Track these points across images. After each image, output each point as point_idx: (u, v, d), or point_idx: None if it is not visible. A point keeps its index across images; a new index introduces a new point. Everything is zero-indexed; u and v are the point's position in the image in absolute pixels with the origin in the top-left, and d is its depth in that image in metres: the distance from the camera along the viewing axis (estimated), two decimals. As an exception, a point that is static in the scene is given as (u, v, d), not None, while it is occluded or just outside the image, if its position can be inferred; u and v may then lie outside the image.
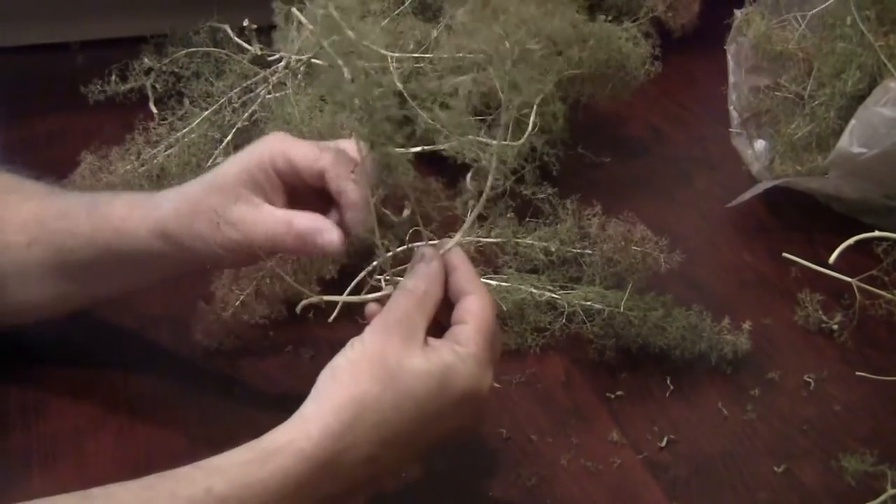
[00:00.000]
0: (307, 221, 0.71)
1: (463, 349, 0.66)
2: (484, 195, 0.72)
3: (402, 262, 0.80)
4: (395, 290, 0.69)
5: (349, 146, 0.73)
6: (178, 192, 0.74)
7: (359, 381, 0.63)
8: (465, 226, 0.72)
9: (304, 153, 0.72)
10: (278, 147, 0.73)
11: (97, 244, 0.76)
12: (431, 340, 0.66)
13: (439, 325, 0.69)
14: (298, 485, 0.61)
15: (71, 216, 0.77)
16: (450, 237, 0.72)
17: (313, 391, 0.64)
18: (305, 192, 0.73)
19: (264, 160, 0.72)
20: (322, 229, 0.71)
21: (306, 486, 0.61)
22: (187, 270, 0.79)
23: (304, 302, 0.73)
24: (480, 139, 0.74)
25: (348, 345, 0.66)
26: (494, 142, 0.71)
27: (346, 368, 0.64)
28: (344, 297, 0.73)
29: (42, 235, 0.77)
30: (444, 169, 1.05)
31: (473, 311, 0.68)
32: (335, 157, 0.72)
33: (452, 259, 0.70)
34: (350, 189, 0.71)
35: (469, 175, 0.83)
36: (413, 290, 0.67)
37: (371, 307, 0.71)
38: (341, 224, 0.72)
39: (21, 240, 0.78)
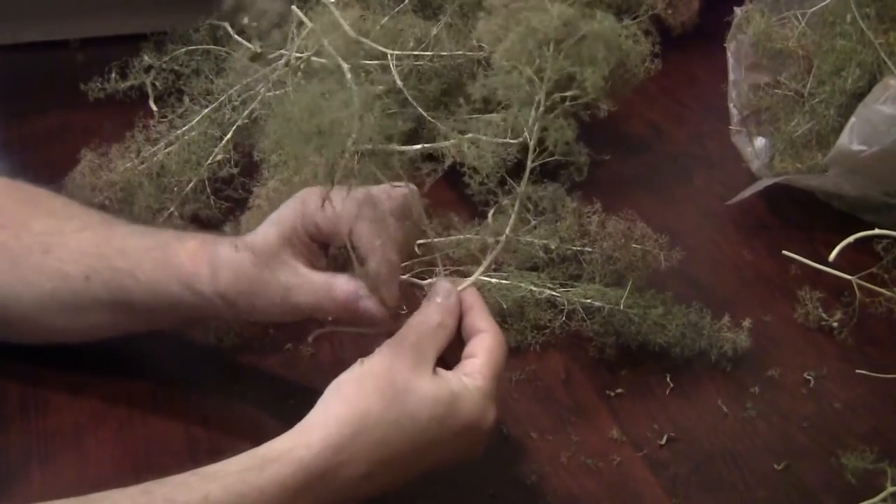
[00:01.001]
0: (346, 288, 0.70)
1: (471, 381, 0.67)
2: (503, 239, 0.74)
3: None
4: (409, 319, 0.70)
5: (369, 195, 0.72)
6: (233, 265, 0.73)
7: (364, 397, 0.64)
8: (483, 266, 0.73)
9: (325, 222, 0.71)
10: (308, 213, 0.72)
11: (159, 292, 0.75)
12: (440, 370, 0.68)
13: (445, 363, 0.70)
14: (295, 493, 0.61)
15: (132, 256, 0.77)
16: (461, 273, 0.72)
17: (318, 402, 0.65)
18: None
19: (297, 227, 0.72)
20: (360, 297, 0.70)
21: (302, 495, 0.61)
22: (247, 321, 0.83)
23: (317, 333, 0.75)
24: (480, 138, 0.74)
25: (357, 362, 0.66)
26: (494, 140, 0.70)
27: (351, 383, 0.65)
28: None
29: (103, 271, 0.77)
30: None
31: (486, 346, 0.69)
32: (356, 222, 0.70)
33: (467, 298, 0.72)
34: (374, 256, 0.70)
35: (491, 213, 0.84)
36: (427, 320, 0.69)
37: (342, 285, 0.70)
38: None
39: (80, 271, 0.77)
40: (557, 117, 0.69)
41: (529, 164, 0.70)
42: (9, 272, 0.78)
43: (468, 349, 0.70)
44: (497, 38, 0.67)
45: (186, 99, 1.05)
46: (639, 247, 0.90)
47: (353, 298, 0.70)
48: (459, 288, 0.72)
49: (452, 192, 1.03)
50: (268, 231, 0.73)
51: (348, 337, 0.89)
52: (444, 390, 0.65)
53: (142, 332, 0.82)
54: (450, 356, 0.70)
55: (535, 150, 0.70)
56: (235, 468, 0.61)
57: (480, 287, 0.89)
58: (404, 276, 0.89)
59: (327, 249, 0.74)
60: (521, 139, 0.71)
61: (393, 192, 0.72)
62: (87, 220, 0.81)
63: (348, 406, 0.63)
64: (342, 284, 0.71)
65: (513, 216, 0.73)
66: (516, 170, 0.72)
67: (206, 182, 1.00)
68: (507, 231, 0.73)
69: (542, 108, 0.68)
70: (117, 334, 0.82)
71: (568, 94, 0.71)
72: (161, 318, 0.79)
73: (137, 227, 0.81)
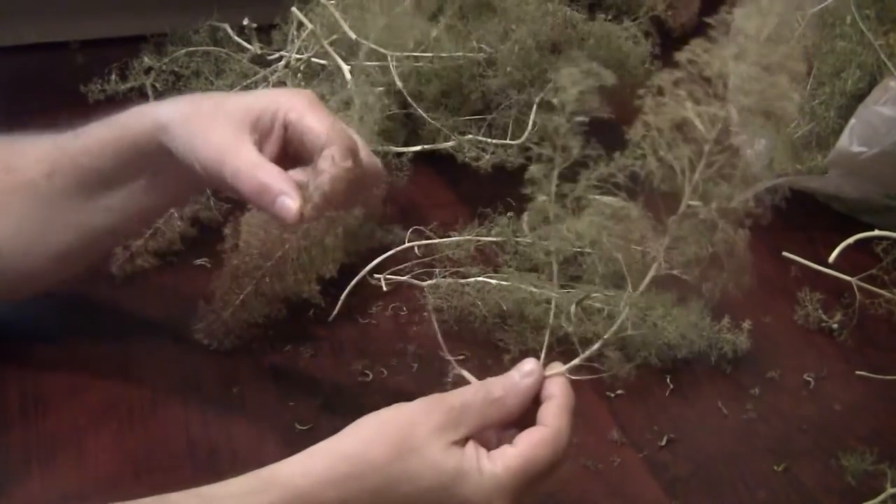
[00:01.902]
0: (276, 179, 0.68)
1: (489, 465, 0.63)
2: (601, 341, 0.69)
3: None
4: (478, 382, 0.67)
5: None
6: (188, 99, 0.75)
7: (375, 443, 0.62)
8: (578, 359, 0.68)
9: (312, 125, 0.70)
10: (298, 106, 0.71)
11: (111, 151, 0.75)
12: (473, 443, 0.64)
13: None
14: None
15: (88, 134, 0.77)
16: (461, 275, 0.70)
17: (346, 428, 0.63)
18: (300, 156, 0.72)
19: (278, 110, 0.71)
20: (285, 193, 0.67)
21: None
22: (181, 188, 0.79)
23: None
24: (480, 139, 0.74)
25: (395, 405, 0.64)
26: (493, 140, 0.70)
27: (373, 425, 0.63)
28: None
29: (61, 160, 0.77)
30: (444, 169, 1.05)
31: (530, 441, 0.64)
32: (339, 137, 0.69)
33: (551, 388, 0.66)
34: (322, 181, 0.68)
35: (575, 303, 0.81)
36: (489, 391, 0.65)
37: (273, 172, 0.68)
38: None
39: (41, 170, 0.77)
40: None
41: (656, 266, 0.66)
42: None
43: (517, 438, 0.64)
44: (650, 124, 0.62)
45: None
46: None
47: (275, 189, 0.67)
48: (547, 373, 0.67)
49: (452, 192, 1.03)
50: (240, 98, 0.73)
51: (348, 339, 0.89)
52: (451, 463, 0.62)
53: (105, 240, 0.82)
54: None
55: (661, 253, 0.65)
56: (237, 490, 0.60)
57: (480, 288, 0.89)
58: (404, 278, 0.90)
59: (284, 149, 0.72)
60: (520, 141, 0.71)
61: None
62: (42, 136, 0.80)
63: (357, 446, 0.62)
64: (274, 173, 0.69)
65: (617, 322, 0.68)
66: (519, 172, 0.72)
67: (206, 183, 0.99)
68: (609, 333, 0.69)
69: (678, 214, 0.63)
70: (97, 243, 0.81)
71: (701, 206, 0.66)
72: (119, 196, 0.77)
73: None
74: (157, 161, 0.75)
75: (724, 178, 0.61)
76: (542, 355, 0.68)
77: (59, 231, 0.78)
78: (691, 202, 0.61)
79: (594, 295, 0.80)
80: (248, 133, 0.71)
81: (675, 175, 0.61)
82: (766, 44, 0.60)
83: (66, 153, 0.77)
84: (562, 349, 0.71)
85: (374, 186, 0.76)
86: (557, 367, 0.67)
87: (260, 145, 0.71)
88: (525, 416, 0.66)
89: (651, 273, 0.65)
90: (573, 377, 0.67)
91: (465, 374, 0.70)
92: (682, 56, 0.59)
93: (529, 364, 0.67)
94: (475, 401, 0.64)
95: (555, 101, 0.63)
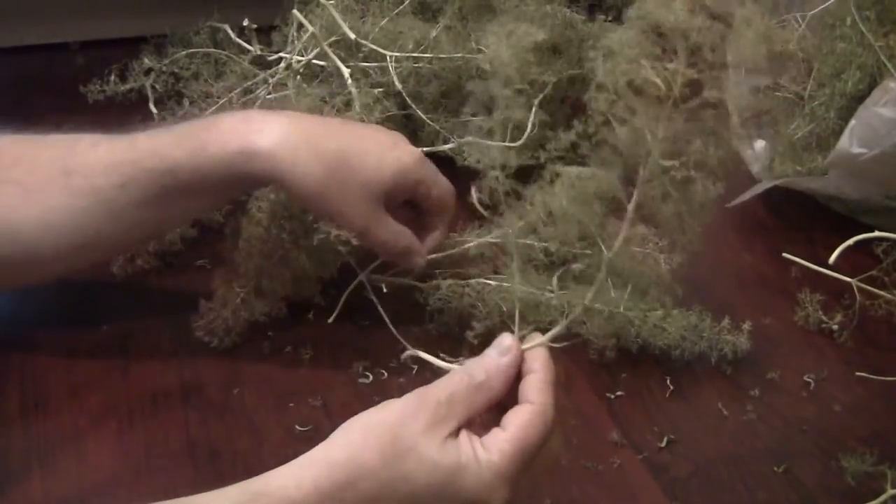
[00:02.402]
0: (411, 243, 0.85)
1: (485, 455, 0.62)
2: (580, 307, 0.69)
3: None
4: (457, 368, 0.66)
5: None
6: (301, 159, 0.79)
7: (364, 448, 0.61)
8: (559, 328, 0.68)
9: (441, 192, 0.86)
10: (430, 178, 0.86)
11: (202, 179, 0.79)
12: (465, 433, 0.63)
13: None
14: None
15: (168, 153, 0.79)
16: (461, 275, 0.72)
17: (332, 434, 0.63)
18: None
19: (404, 180, 0.83)
20: (418, 253, 0.86)
21: None
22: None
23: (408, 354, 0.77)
24: (482, 141, 0.73)
25: (382, 404, 0.63)
26: (494, 143, 0.70)
27: (361, 429, 0.62)
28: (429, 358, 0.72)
29: (138, 176, 0.78)
30: (444, 170, 1.05)
31: (521, 422, 0.63)
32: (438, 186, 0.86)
33: (533, 362, 0.66)
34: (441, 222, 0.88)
35: (556, 277, 0.81)
36: (469, 376, 0.64)
37: (410, 235, 0.85)
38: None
39: (113, 181, 0.78)
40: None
41: (625, 229, 0.65)
42: (34, 206, 0.79)
43: (504, 418, 0.64)
44: (608, 86, 0.61)
45: (186, 102, 1.05)
46: (639, 251, 0.90)
47: (412, 254, 0.86)
48: (525, 346, 0.66)
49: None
50: (381, 168, 0.82)
51: (348, 339, 0.89)
52: (448, 460, 0.61)
53: (175, 226, 0.91)
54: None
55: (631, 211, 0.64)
56: (228, 502, 0.59)
57: (480, 290, 0.89)
58: (404, 279, 0.90)
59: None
60: (520, 142, 0.70)
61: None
62: (93, 139, 0.81)
63: (347, 453, 0.61)
64: (408, 237, 0.85)
65: (596, 282, 0.68)
66: (518, 174, 0.72)
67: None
68: (587, 299, 0.68)
69: (646, 172, 0.61)
70: (148, 236, 0.89)
71: (670, 163, 0.66)
72: (198, 206, 0.85)
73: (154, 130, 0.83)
74: (246, 187, 0.84)
75: (692, 132, 0.60)
76: (516, 329, 0.67)
77: (119, 233, 0.81)
78: (662, 161, 0.60)
79: (575, 266, 0.80)
80: (381, 206, 0.82)
81: (641, 137, 0.60)
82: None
83: (143, 168, 0.79)
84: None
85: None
86: (535, 339, 0.67)
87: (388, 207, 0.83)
88: (508, 392, 0.65)
89: (623, 232, 0.64)
90: (554, 345, 0.67)
91: (422, 354, 0.71)
92: (632, 13, 0.58)
93: (507, 339, 0.66)
94: (461, 390, 0.63)
95: (486, 66, 0.63)
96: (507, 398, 0.65)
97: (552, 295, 0.89)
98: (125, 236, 0.82)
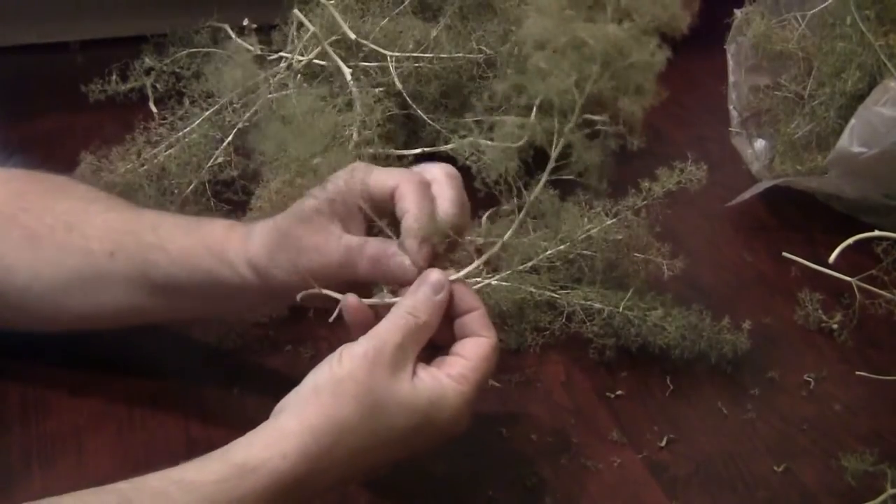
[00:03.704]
0: (377, 245, 0.71)
1: (454, 385, 0.67)
2: (499, 243, 0.72)
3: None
4: (394, 308, 0.68)
5: (424, 172, 0.73)
6: (267, 226, 0.74)
7: (341, 406, 0.63)
8: (476, 263, 0.71)
9: (378, 176, 0.72)
10: (359, 175, 0.72)
11: (187, 262, 0.75)
12: (421, 368, 0.67)
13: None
14: (272, 501, 0.61)
15: (162, 231, 0.77)
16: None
17: (293, 403, 0.65)
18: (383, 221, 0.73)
19: (345, 191, 0.72)
20: (391, 253, 0.70)
21: (279, 501, 0.61)
22: (268, 303, 0.83)
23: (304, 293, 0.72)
24: (480, 141, 0.73)
25: (335, 355, 0.66)
26: (493, 143, 0.70)
27: (329, 388, 0.64)
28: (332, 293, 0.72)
29: (129, 246, 0.77)
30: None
31: (482, 354, 0.68)
32: (406, 176, 0.72)
33: (468, 299, 0.70)
34: (411, 214, 0.70)
35: (486, 215, 0.83)
36: (414, 317, 0.67)
37: (352, 303, 0.71)
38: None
39: (104, 247, 0.77)
40: (589, 136, 0.67)
41: (545, 177, 0.69)
42: (30, 252, 0.78)
43: (460, 349, 0.69)
44: (540, 42, 0.64)
45: (187, 101, 1.05)
46: (640, 256, 0.90)
47: (385, 254, 0.70)
48: (451, 278, 0.70)
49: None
50: (310, 199, 0.72)
51: (348, 339, 0.88)
52: (422, 398, 0.65)
53: (159, 319, 0.82)
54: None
55: (553, 161, 0.68)
56: (213, 477, 0.60)
57: (481, 291, 0.89)
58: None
59: (368, 227, 0.74)
60: (520, 143, 0.71)
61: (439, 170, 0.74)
62: (111, 204, 0.81)
63: (325, 415, 0.63)
64: (373, 242, 0.71)
65: (516, 222, 0.72)
66: (518, 173, 0.72)
67: (207, 185, 1.00)
68: (507, 236, 0.72)
69: (571, 123, 0.66)
70: (134, 321, 0.81)
71: (598, 118, 0.70)
72: (183, 299, 0.78)
73: (165, 211, 0.83)
74: (232, 283, 0.75)
75: (618, 90, 0.64)
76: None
77: (108, 301, 0.79)
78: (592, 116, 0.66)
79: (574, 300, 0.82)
80: (334, 226, 0.71)
81: (569, 91, 0.64)
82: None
83: (136, 241, 0.77)
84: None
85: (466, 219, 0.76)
86: (455, 274, 0.70)
87: (347, 229, 0.72)
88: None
89: (546, 173, 0.69)
90: (473, 279, 0.72)
91: (328, 292, 0.71)
92: None
93: (437, 275, 0.69)
94: (409, 330, 0.67)
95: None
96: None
97: (552, 295, 0.89)
98: (108, 311, 0.79)
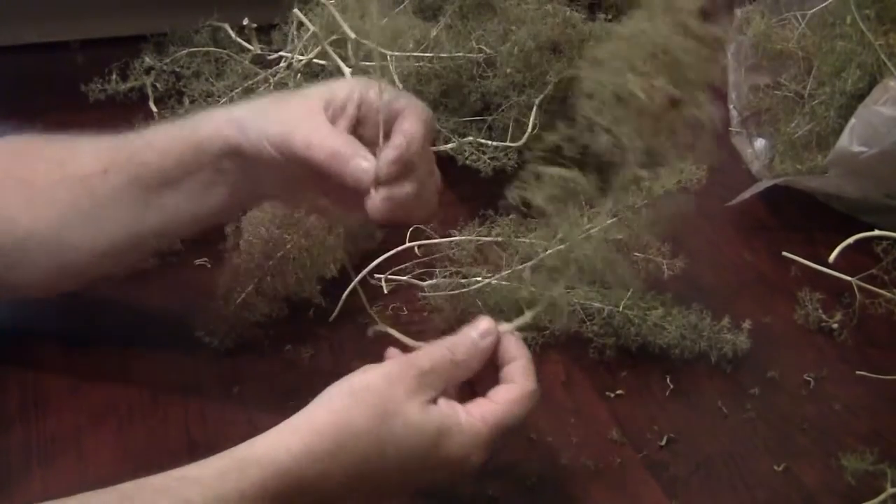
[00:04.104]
0: (348, 143, 0.69)
1: (469, 421, 0.66)
2: (548, 297, 0.72)
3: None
4: (437, 343, 0.69)
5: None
6: (263, 98, 0.76)
7: (352, 412, 0.63)
8: (529, 315, 0.72)
9: (392, 93, 0.71)
10: (362, 85, 0.73)
11: (175, 150, 0.75)
12: (444, 400, 0.66)
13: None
14: (275, 497, 0.61)
15: (150, 132, 0.78)
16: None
17: (311, 403, 0.65)
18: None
19: (353, 90, 0.72)
20: (357, 154, 0.69)
21: (280, 499, 0.61)
22: (238, 196, 0.78)
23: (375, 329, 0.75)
24: (480, 141, 0.74)
25: (362, 369, 0.66)
26: (492, 143, 0.70)
27: (345, 394, 0.64)
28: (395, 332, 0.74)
29: (120, 158, 0.77)
30: (444, 169, 1.05)
31: (509, 398, 0.68)
32: (415, 105, 0.71)
33: (514, 350, 0.70)
34: (399, 133, 0.69)
35: (529, 266, 0.83)
36: (450, 352, 0.68)
37: (391, 351, 0.72)
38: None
39: (97, 166, 0.77)
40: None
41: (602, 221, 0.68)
42: (27, 198, 0.78)
43: (492, 392, 0.68)
44: (590, 92, 0.64)
45: (187, 100, 1.05)
46: (640, 255, 0.90)
47: (348, 151, 0.69)
48: (501, 330, 0.70)
49: (452, 192, 1.03)
50: (311, 87, 0.74)
51: (348, 339, 0.89)
52: (433, 423, 0.65)
53: (158, 240, 0.82)
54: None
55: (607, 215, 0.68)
56: (216, 472, 0.60)
57: (481, 289, 0.89)
58: (404, 278, 0.90)
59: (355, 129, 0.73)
60: (520, 143, 0.71)
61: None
62: (99, 137, 0.81)
63: (335, 416, 0.63)
64: (345, 137, 0.70)
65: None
66: (518, 173, 0.72)
67: (207, 184, 0.99)
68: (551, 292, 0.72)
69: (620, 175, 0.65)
70: (134, 250, 0.81)
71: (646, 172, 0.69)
72: (176, 199, 0.77)
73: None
74: (219, 162, 0.75)
75: (670, 145, 0.64)
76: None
77: (107, 228, 0.78)
78: (640, 170, 0.65)
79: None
80: (321, 108, 0.72)
81: (622, 144, 0.63)
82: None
83: (124, 150, 0.77)
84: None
85: (434, 195, 0.75)
86: (507, 325, 0.71)
87: (332, 122, 0.72)
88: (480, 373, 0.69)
89: (594, 230, 0.71)
90: (522, 334, 0.71)
91: (390, 330, 0.74)
92: (621, 30, 0.62)
93: (486, 323, 0.70)
94: (442, 363, 0.67)
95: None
96: (477, 377, 0.69)
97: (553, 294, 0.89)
98: (108, 242, 0.79)
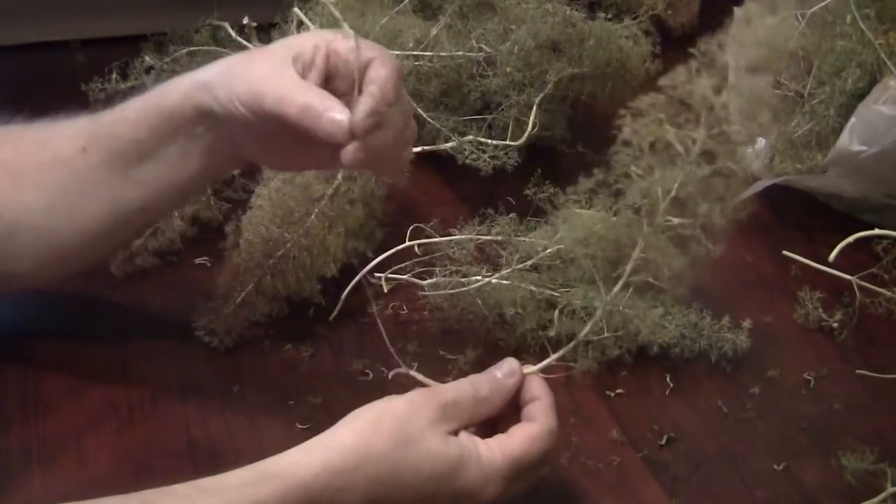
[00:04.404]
0: (321, 96, 0.69)
1: (488, 453, 0.66)
2: (575, 341, 0.74)
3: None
4: (462, 379, 0.70)
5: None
6: (230, 56, 0.77)
7: (373, 433, 0.64)
8: (551, 359, 0.73)
9: (344, 46, 0.71)
10: (330, 36, 0.72)
11: (147, 118, 0.75)
12: (465, 433, 0.67)
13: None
14: None
15: (122, 107, 0.78)
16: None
17: (338, 423, 0.66)
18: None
19: (319, 42, 0.72)
20: (331, 108, 0.68)
21: None
22: (214, 159, 0.77)
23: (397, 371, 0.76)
24: (480, 140, 0.74)
25: (386, 398, 0.67)
26: (492, 141, 0.71)
27: (369, 417, 0.65)
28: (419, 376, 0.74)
29: (97, 134, 0.77)
30: (444, 168, 1.05)
31: (527, 434, 0.68)
32: (387, 55, 0.71)
33: (535, 389, 0.70)
34: (374, 84, 0.69)
35: (557, 311, 0.84)
36: (476, 389, 0.69)
37: (316, 92, 0.70)
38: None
39: (76, 145, 0.77)
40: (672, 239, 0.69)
41: (625, 277, 0.71)
42: (13, 184, 0.78)
43: (512, 428, 0.69)
44: (628, 140, 0.66)
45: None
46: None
47: (322, 105, 0.68)
48: (526, 371, 0.71)
49: (452, 192, 1.03)
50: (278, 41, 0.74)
51: (348, 339, 0.89)
52: (452, 453, 0.65)
53: (142, 214, 0.81)
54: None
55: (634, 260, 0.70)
56: (236, 482, 0.61)
57: (481, 288, 0.89)
58: (404, 277, 0.89)
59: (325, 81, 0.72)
60: (521, 142, 0.71)
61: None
62: (76, 117, 0.82)
63: (356, 437, 0.64)
64: (317, 91, 0.69)
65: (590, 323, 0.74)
66: (519, 172, 0.72)
67: (207, 183, 0.99)
68: (580, 335, 0.74)
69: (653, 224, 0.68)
70: (119, 228, 0.81)
71: (680, 220, 0.70)
72: (155, 170, 0.77)
73: None
74: (193, 128, 0.75)
75: (702, 195, 0.66)
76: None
77: (92, 207, 0.78)
78: (669, 217, 0.67)
79: (572, 291, 0.86)
80: (289, 63, 0.71)
81: (654, 192, 0.65)
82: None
83: (101, 126, 0.78)
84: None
85: (408, 143, 0.76)
86: (531, 367, 0.72)
87: (302, 76, 0.71)
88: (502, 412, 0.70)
89: (622, 280, 0.71)
90: (547, 375, 0.72)
91: (413, 373, 0.74)
92: (663, 82, 0.63)
93: (512, 364, 0.71)
94: (465, 398, 0.68)
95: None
96: (499, 418, 0.70)
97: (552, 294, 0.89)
98: (95, 222, 0.78)
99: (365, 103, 0.68)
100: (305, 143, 0.71)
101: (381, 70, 0.69)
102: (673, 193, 0.65)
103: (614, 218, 0.73)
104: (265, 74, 0.71)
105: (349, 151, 0.68)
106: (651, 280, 0.73)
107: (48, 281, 0.83)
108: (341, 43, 0.71)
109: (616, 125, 0.64)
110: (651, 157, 0.64)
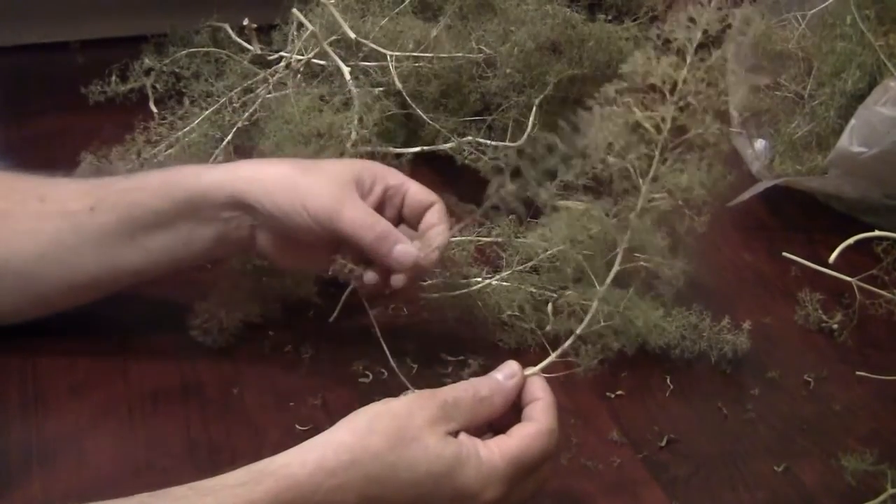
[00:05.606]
0: (392, 229, 0.78)
1: (486, 454, 0.66)
2: (573, 337, 0.74)
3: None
4: (462, 382, 0.70)
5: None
6: (269, 160, 0.83)
7: (370, 432, 0.64)
8: (551, 358, 0.73)
9: (418, 187, 0.81)
10: (394, 172, 0.82)
11: (170, 192, 0.79)
12: (464, 434, 0.67)
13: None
14: None
15: (139, 176, 0.81)
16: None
17: (336, 424, 0.66)
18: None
19: (377, 175, 0.81)
20: (399, 240, 0.77)
21: None
22: (238, 248, 0.83)
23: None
24: (480, 140, 0.74)
25: (386, 399, 0.67)
26: (492, 142, 0.71)
27: (366, 417, 0.65)
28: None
29: (109, 197, 0.79)
30: (444, 170, 1.05)
31: (525, 433, 0.68)
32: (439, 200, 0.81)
33: (536, 390, 0.71)
34: (431, 211, 0.80)
35: (550, 305, 0.85)
36: (476, 389, 0.69)
37: (387, 223, 0.78)
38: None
39: (84, 203, 0.79)
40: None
41: (616, 267, 0.72)
42: (4, 228, 0.79)
43: (511, 429, 0.69)
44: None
45: (187, 101, 1.05)
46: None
47: (392, 237, 0.77)
48: (526, 373, 0.71)
49: (452, 192, 1.03)
50: (330, 160, 0.81)
51: (348, 339, 0.89)
52: (450, 452, 0.65)
53: (134, 277, 0.83)
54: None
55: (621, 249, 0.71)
56: (232, 482, 0.61)
57: (481, 289, 0.89)
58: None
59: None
60: (520, 143, 0.71)
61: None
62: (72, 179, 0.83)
63: (352, 435, 0.64)
64: (385, 223, 0.78)
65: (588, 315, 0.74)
66: (519, 173, 0.72)
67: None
68: (578, 330, 0.74)
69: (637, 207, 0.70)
70: (107, 286, 0.83)
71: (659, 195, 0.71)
72: (164, 239, 0.80)
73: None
74: (218, 212, 0.79)
75: (681, 170, 0.67)
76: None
77: (85, 263, 0.81)
78: (653, 195, 0.68)
79: (568, 293, 0.85)
80: (354, 190, 0.78)
81: (633, 174, 0.67)
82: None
83: (114, 190, 0.80)
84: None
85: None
86: (532, 369, 0.72)
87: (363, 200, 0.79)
88: (503, 414, 0.70)
89: (615, 268, 0.71)
90: (548, 375, 0.72)
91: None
92: (625, 69, 0.66)
93: (513, 366, 0.71)
94: (465, 398, 0.68)
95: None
96: (501, 421, 0.70)
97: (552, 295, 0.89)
98: (83, 277, 0.81)
99: (437, 242, 0.79)
100: (323, 251, 0.79)
101: (440, 215, 0.81)
102: (651, 174, 0.67)
103: (594, 211, 0.73)
104: (336, 197, 0.77)
105: (400, 278, 0.79)
106: (644, 264, 0.73)
107: (21, 320, 0.83)
108: (393, 178, 0.81)
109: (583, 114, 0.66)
110: (625, 139, 0.66)
